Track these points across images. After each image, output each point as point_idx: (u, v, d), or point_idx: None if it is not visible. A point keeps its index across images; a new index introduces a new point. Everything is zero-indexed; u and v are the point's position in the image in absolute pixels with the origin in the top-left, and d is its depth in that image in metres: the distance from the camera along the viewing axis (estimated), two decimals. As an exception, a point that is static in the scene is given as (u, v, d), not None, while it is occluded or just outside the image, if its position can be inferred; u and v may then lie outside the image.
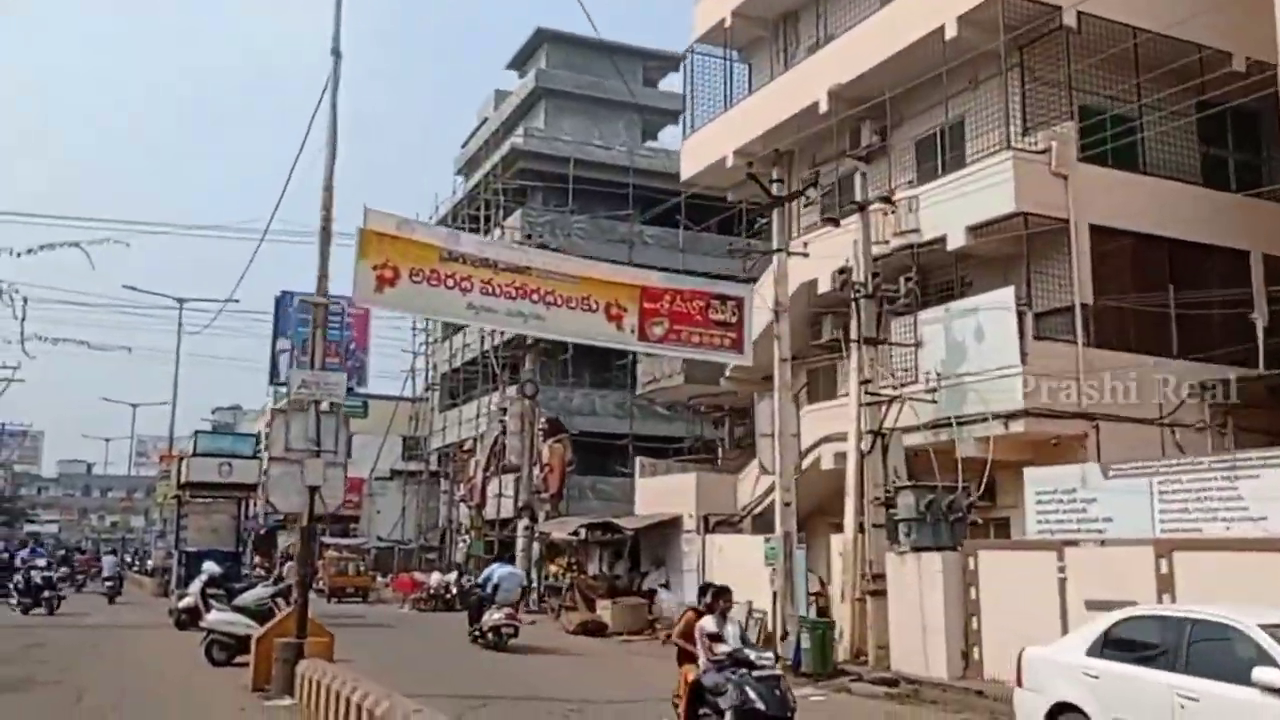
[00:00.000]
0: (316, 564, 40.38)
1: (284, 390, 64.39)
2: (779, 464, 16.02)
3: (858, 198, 17.20)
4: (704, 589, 10.15)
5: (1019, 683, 9.33)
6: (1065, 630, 12.53)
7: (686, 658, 9.54)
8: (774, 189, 16.65)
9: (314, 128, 14.23)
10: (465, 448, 35.52)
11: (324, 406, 12.39)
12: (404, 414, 44.38)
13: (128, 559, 57.30)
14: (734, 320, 15.63)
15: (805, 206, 18.48)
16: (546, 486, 27.20)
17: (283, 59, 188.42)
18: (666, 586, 22.32)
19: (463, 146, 48.15)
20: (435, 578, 30.22)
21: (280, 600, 16.81)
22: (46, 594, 23.14)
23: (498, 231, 37.05)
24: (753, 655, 8.85)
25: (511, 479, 32.28)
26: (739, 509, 21.80)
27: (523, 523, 26.41)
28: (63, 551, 49.32)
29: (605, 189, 37.19)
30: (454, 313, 13.91)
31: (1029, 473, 13.97)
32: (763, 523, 21.30)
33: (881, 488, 16.21)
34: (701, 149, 24.80)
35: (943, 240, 17.39)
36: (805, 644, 14.77)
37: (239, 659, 14.40)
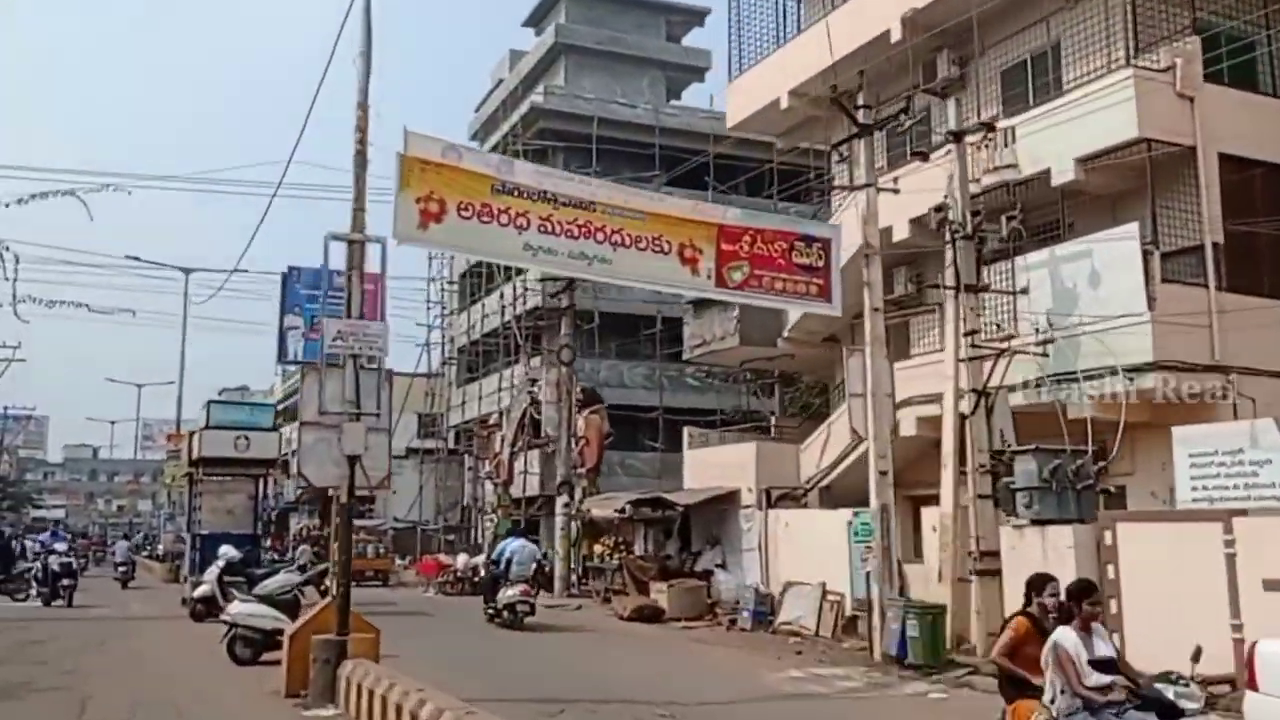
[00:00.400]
0: (332, 547, 38.93)
1: (292, 369, 62.73)
2: (872, 427, 14.12)
3: (951, 127, 15.21)
4: (1038, 581, 6.78)
5: (1252, 685, 7.42)
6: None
7: (1020, 688, 6.46)
8: (860, 116, 14.64)
9: (337, 56, 12.27)
10: (490, 422, 33.62)
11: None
12: (419, 390, 42.44)
13: (137, 544, 55.83)
14: (820, 264, 13.69)
15: (901, 132, 16.42)
16: (582, 461, 25.31)
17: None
18: (723, 566, 20.48)
19: (476, 110, 46.06)
20: (462, 559, 28.45)
21: (307, 588, 15.06)
22: (65, 583, 20.85)
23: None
24: (1171, 692, 5.95)
25: (537, 455, 30.48)
26: (802, 481, 19.93)
27: (561, 499, 24.53)
28: (69, 535, 47.89)
29: (629, 149, 35.26)
30: (509, 254, 11.99)
31: (1180, 432, 12.04)
32: (829, 496, 19.51)
33: (987, 453, 14.31)
34: (750, 91, 22.76)
35: (1045, 175, 15.46)
36: (913, 632, 12.90)
37: (265, 656, 12.62)
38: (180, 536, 33.95)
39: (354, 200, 10.84)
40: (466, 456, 36.03)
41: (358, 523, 37.70)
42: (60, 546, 21.76)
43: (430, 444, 43.53)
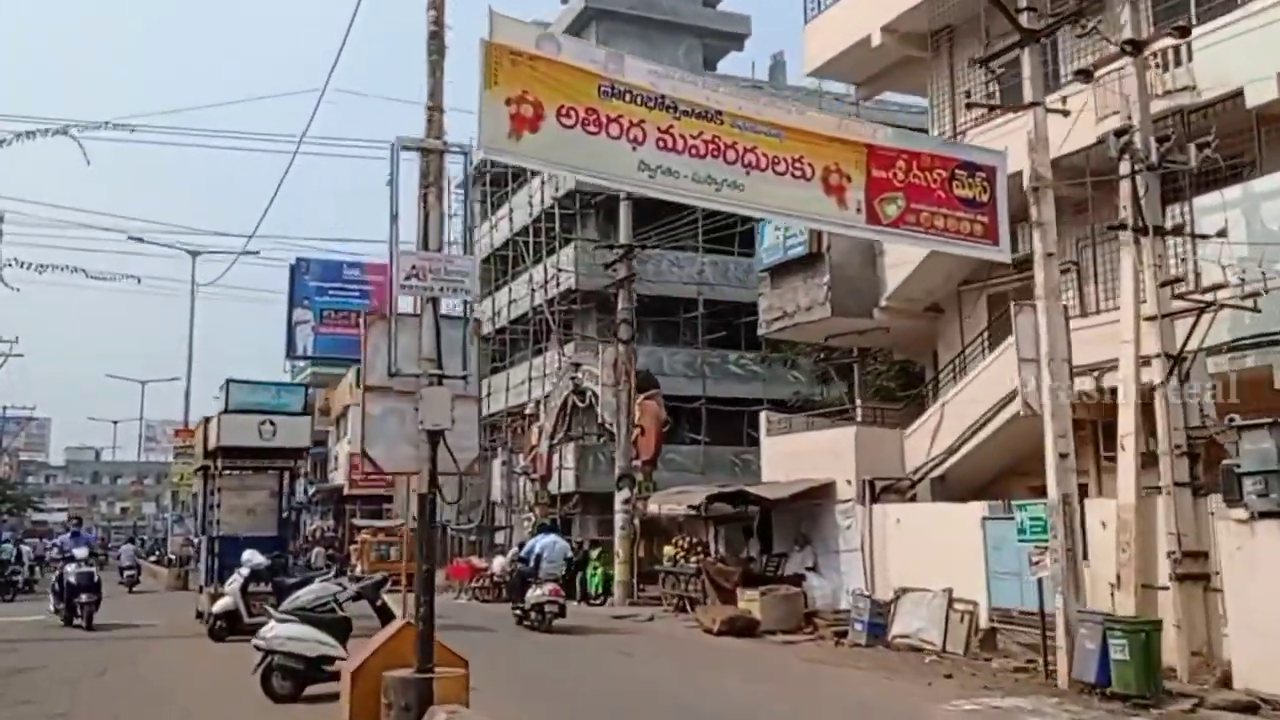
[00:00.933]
0: (349, 549, 36.29)
1: (301, 365, 59.74)
2: (1048, 400, 11.52)
3: (1128, 35, 12.60)
4: None
5: None
6: None
7: None
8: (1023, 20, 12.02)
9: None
10: (527, 411, 31.02)
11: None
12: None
13: (145, 548, 53.46)
14: (984, 199, 11.14)
15: (1082, 34, 13.73)
16: (638, 452, 22.73)
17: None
18: (815, 570, 17.88)
19: (498, 84, 43.38)
20: (498, 563, 25.84)
21: (354, 600, 12.43)
22: (84, 598, 16.87)
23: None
24: None
25: (572, 449, 27.99)
26: (908, 472, 17.33)
27: (621, 494, 21.94)
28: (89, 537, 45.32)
29: (667, 120, 32.55)
30: (621, 173, 9.38)
31: None
32: (943, 487, 16.97)
33: (1183, 431, 11.72)
34: (831, 32, 20.12)
35: (1234, 98, 12.87)
36: (1118, 654, 10.29)
37: (310, 689, 10.06)
38: (190, 540, 31.32)
39: (429, 98, 8.25)
40: (499, 450, 33.36)
41: (376, 524, 35.35)
42: (80, 553, 17.57)
43: (452, 439, 40.89)
